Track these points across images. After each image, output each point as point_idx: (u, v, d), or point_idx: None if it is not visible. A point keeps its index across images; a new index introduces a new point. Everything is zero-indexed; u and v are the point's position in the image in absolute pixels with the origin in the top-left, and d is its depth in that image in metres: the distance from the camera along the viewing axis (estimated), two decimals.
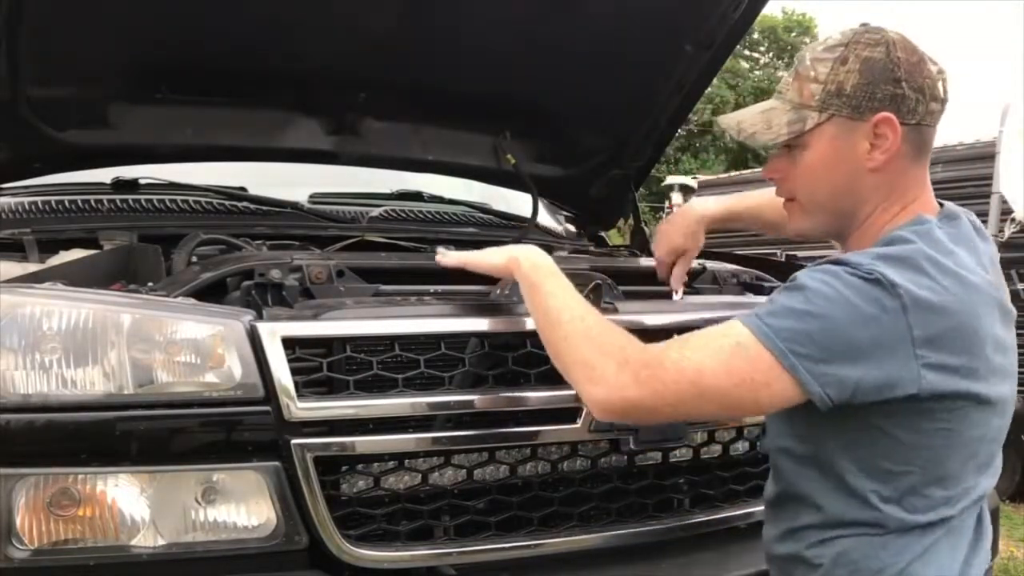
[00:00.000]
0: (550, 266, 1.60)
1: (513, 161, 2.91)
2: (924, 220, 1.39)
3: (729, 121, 1.55)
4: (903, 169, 1.42)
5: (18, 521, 1.49)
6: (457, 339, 1.76)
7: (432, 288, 1.89)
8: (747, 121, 1.52)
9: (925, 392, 1.29)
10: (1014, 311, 1.44)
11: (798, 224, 1.53)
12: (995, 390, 1.36)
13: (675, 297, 2.07)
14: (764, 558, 1.59)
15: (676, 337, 1.42)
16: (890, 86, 1.39)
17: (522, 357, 1.77)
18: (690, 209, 2.06)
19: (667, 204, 9.77)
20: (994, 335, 1.35)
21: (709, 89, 3.02)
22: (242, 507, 1.60)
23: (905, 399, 1.30)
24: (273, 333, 1.61)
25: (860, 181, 1.43)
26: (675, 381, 1.34)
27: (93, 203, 2.55)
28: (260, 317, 1.65)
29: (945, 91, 1.42)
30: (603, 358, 1.40)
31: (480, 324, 1.78)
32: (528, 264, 1.61)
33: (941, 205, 1.46)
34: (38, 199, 2.54)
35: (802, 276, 1.34)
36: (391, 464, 1.72)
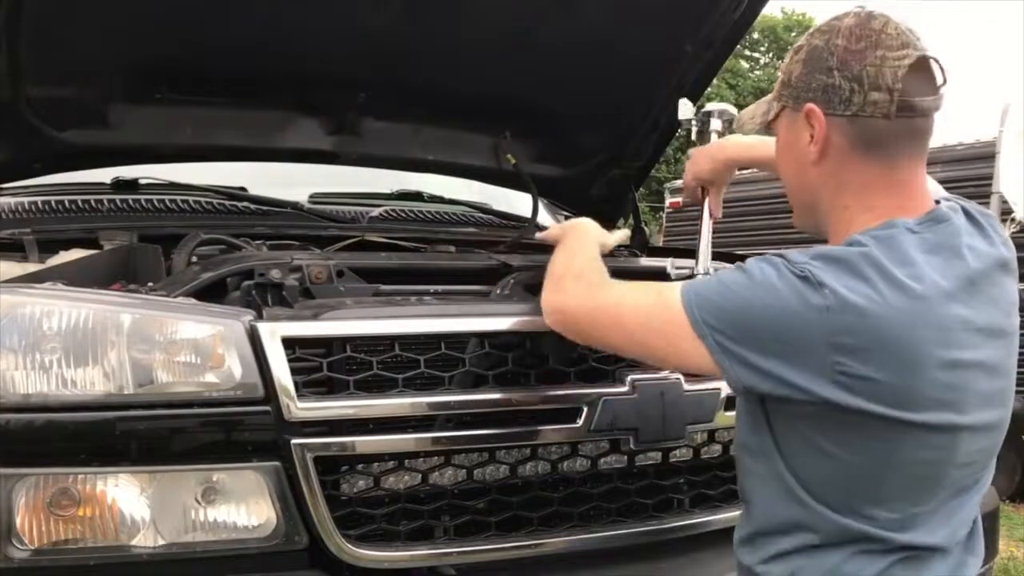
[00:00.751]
0: (582, 227, 1.83)
1: (513, 161, 2.92)
2: (892, 224, 1.31)
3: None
4: (846, 163, 1.35)
5: (18, 521, 1.49)
6: (457, 339, 1.76)
7: (432, 288, 1.89)
8: (745, 113, 1.56)
9: (834, 400, 1.24)
10: (1009, 326, 1.34)
11: (793, 216, 1.52)
12: (944, 416, 1.27)
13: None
14: None
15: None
16: (823, 75, 1.34)
17: (522, 357, 1.77)
18: (722, 149, 2.05)
19: (667, 204, 9.72)
20: (942, 356, 1.25)
21: (709, 89, 3.01)
22: (242, 507, 1.60)
23: (821, 406, 1.26)
24: (273, 333, 1.61)
25: (807, 174, 1.40)
26: (603, 304, 1.51)
27: (93, 203, 2.55)
28: (260, 317, 1.65)
29: (897, 79, 1.29)
30: (566, 271, 1.64)
31: (480, 324, 1.78)
32: (569, 225, 1.90)
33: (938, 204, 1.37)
34: (38, 199, 2.54)
35: (749, 261, 1.35)
36: (391, 464, 1.72)
